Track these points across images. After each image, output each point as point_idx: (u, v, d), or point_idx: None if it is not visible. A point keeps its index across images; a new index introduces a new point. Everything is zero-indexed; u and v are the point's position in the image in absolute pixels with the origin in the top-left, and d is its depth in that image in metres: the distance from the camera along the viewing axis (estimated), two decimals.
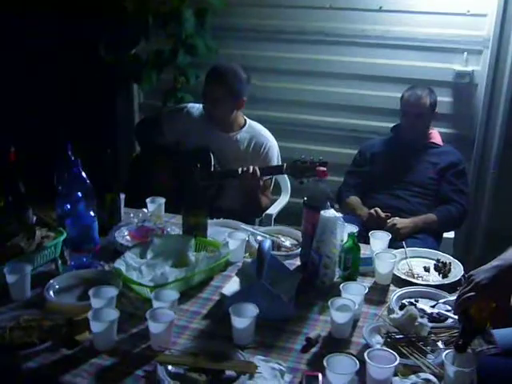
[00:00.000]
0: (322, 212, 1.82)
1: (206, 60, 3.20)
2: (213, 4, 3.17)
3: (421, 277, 1.95)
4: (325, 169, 1.89)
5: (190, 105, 2.85)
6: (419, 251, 2.13)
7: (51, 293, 1.73)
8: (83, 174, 1.90)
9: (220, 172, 2.62)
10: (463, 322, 1.43)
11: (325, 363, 1.34)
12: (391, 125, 3.03)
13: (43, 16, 3.13)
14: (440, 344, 1.54)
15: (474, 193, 3.24)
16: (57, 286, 1.76)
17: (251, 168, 2.45)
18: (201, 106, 2.77)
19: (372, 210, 2.72)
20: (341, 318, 1.58)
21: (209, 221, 2.31)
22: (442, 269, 1.98)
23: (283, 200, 3.06)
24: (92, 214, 1.92)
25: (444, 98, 3.16)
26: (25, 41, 3.31)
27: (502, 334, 1.80)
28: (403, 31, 3.21)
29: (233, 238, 2.02)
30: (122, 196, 2.33)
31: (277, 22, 3.44)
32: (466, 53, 3.12)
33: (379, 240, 2.06)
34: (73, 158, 1.96)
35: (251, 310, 1.56)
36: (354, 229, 2.09)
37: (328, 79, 3.41)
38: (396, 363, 1.35)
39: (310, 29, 3.36)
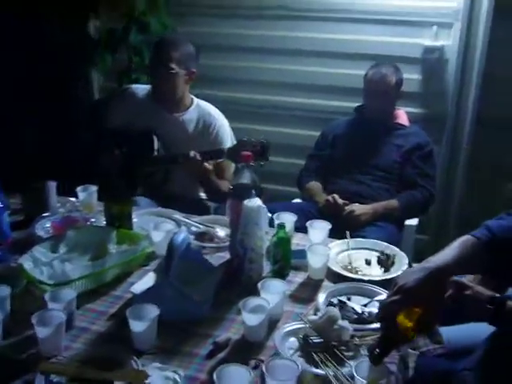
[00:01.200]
0: (245, 201, 1.65)
1: None
2: None
3: (360, 271, 1.78)
4: (249, 153, 1.70)
5: (134, 86, 2.67)
6: (363, 242, 1.94)
7: None
8: None
9: (162, 157, 2.45)
10: (383, 330, 1.25)
11: (214, 377, 1.18)
12: (357, 105, 2.85)
13: None
14: (362, 350, 1.38)
15: (446, 174, 3.06)
16: None
17: (192, 153, 2.29)
18: (146, 86, 2.60)
19: (329, 197, 2.55)
20: (253, 320, 1.42)
21: (144, 210, 2.17)
22: (385, 262, 1.81)
23: None
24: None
25: (413, 76, 2.95)
26: None
27: (449, 332, 1.65)
28: (369, 4, 3.00)
29: (158, 230, 1.86)
30: (53, 184, 2.17)
31: None
32: (435, 26, 2.89)
33: (318, 230, 1.89)
34: None
35: (151, 311, 1.40)
36: (293, 218, 1.93)
37: (292, 57, 3.20)
38: (295, 375, 1.19)
39: (272, 3, 3.15)
